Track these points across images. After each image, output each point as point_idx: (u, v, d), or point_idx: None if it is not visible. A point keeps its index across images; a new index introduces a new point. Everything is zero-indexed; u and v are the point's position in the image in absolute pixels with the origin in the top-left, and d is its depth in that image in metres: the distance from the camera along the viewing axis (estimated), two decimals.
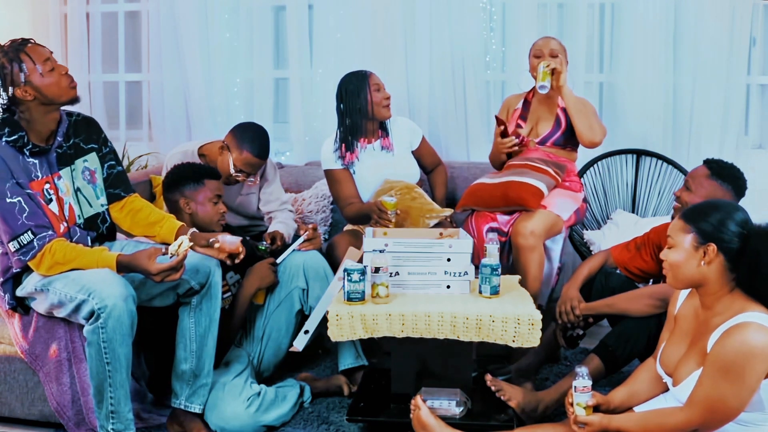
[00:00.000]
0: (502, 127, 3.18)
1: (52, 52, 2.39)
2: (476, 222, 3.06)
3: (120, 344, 2.28)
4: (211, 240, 2.51)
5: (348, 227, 3.33)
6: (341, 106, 3.19)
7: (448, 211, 3.14)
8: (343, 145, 3.20)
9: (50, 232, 2.33)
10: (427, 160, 3.41)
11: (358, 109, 3.15)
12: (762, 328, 1.84)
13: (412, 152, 3.35)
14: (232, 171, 2.99)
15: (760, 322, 1.86)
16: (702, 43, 3.56)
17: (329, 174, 3.28)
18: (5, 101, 2.31)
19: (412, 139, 3.35)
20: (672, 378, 2.07)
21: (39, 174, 2.39)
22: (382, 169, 3.23)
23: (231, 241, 2.53)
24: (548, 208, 3.01)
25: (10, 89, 2.30)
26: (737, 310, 1.92)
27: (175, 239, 2.61)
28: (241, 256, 2.56)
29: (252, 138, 2.99)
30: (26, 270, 2.40)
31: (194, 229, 2.63)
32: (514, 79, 3.77)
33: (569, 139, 3.19)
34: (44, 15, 4.16)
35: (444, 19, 3.74)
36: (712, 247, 1.93)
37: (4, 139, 2.32)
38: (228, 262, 2.55)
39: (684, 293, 2.16)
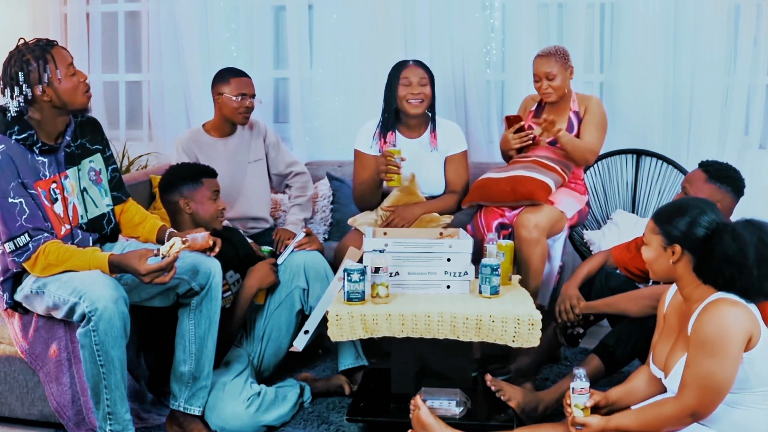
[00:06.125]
0: (517, 125, 3.19)
1: (73, 58, 2.40)
2: (485, 218, 3.06)
3: (112, 346, 2.27)
4: (184, 238, 2.49)
5: (354, 221, 3.28)
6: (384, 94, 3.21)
7: (448, 219, 3.14)
8: (379, 132, 3.21)
9: (46, 234, 2.33)
10: (450, 176, 3.26)
11: (390, 99, 3.17)
12: (734, 301, 1.94)
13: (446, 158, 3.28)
14: (235, 102, 3.19)
15: (732, 297, 1.95)
16: (702, 43, 3.56)
17: (358, 155, 3.26)
18: (29, 96, 2.31)
19: (451, 145, 3.26)
20: (664, 371, 2.09)
21: (47, 173, 2.39)
22: (416, 162, 3.16)
23: (201, 237, 2.52)
24: (554, 204, 3.02)
25: (39, 87, 2.30)
26: (712, 293, 2.00)
27: (156, 239, 2.62)
28: (217, 249, 2.55)
29: (225, 70, 3.29)
30: (26, 270, 2.39)
31: (172, 229, 2.63)
32: (514, 79, 3.77)
33: None
34: (44, 15, 4.16)
35: (444, 19, 3.73)
36: (678, 248, 2.03)
37: (14, 137, 2.32)
38: (208, 254, 2.54)
39: (670, 294, 2.20)
